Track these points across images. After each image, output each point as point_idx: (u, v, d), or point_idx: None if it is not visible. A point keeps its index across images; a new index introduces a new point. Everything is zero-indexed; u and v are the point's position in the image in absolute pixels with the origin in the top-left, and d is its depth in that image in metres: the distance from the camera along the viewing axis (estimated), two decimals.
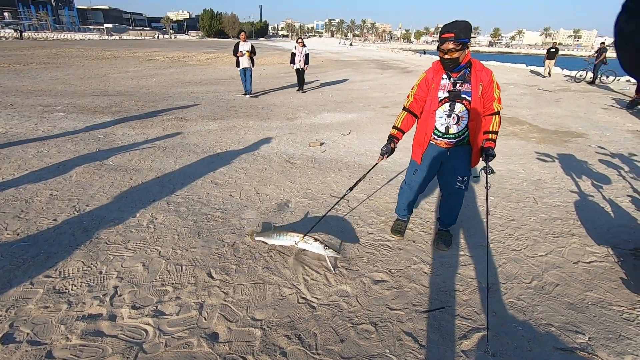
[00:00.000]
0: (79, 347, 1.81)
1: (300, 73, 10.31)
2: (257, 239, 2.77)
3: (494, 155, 2.43)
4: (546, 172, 4.62)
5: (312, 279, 2.40)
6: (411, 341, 1.95)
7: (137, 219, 3.10)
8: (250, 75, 9.35)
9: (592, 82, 14.86)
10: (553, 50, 16.50)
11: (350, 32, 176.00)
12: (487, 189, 2.44)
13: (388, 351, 1.88)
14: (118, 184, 3.76)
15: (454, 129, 2.47)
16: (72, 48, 25.54)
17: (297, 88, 10.62)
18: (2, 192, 3.43)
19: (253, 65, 9.29)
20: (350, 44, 72.42)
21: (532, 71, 19.67)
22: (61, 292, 2.19)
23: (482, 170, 2.46)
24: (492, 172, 2.46)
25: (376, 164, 2.72)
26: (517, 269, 2.60)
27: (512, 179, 4.37)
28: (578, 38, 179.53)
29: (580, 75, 15.43)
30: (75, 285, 2.24)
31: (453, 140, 2.50)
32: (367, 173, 2.88)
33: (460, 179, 2.63)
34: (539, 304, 2.26)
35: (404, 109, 2.61)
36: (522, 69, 21.11)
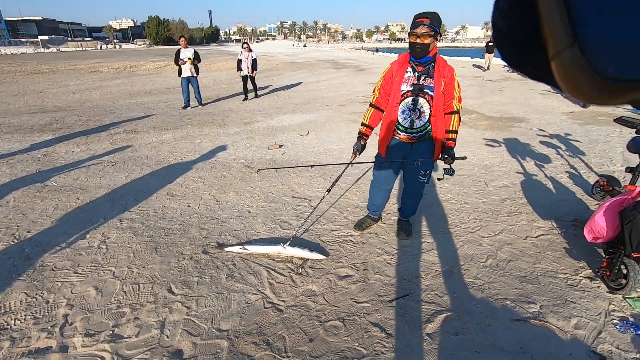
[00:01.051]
0: None
1: (248, 80, 9.59)
2: (228, 250, 2.69)
3: (454, 157, 2.48)
4: (494, 157, 4.91)
5: (277, 282, 2.37)
6: (379, 331, 1.98)
7: (86, 240, 2.91)
8: (197, 84, 8.61)
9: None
10: (491, 44, 16.99)
11: (304, 33, 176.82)
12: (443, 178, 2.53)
13: (357, 344, 1.90)
14: (63, 206, 3.50)
15: (416, 124, 2.49)
16: (3, 63, 23.49)
17: (243, 97, 9.71)
18: None
19: (198, 73, 8.58)
20: (304, 46, 72.72)
21: (474, 65, 20.46)
22: (2, 328, 1.99)
23: (444, 171, 2.51)
24: (453, 172, 2.50)
25: (350, 163, 2.68)
26: (473, 249, 2.74)
27: (464, 165, 4.59)
28: None
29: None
30: (18, 319, 2.06)
31: (416, 135, 2.54)
32: (342, 173, 2.87)
33: (423, 172, 2.69)
34: (495, 281, 2.39)
35: (371, 105, 2.64)
36: (467, 62, 22.29)
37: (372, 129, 2.67)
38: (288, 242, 2.63)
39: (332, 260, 2.62)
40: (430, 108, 2.44)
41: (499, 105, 8.71)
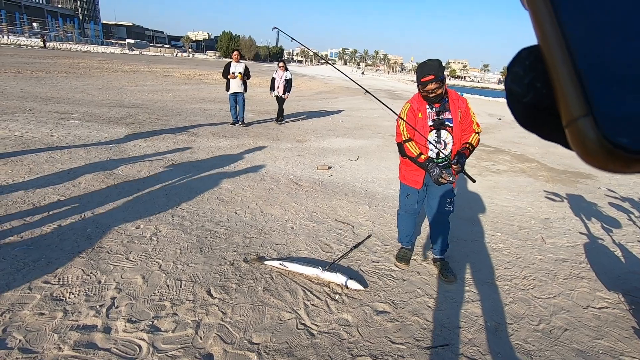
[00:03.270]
0: (70, 358, 1.76)
1: (279, 101, 8.79)
2: (268, 263, 2.73)
3: (463, 164, 2.49)
4: (555, 212, 4.57)
5: (312, 305, 2.34)
6: None
7: (140, 230, 3.09)
8: (243, 101, 7.99)
9: None
10: None
11: (363, 61, 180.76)
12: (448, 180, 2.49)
13: None
14: (125, 194, 3.78)
15: (441, 154, 2.58)
16: (94, 60, 26.46)
17: (277, 119, 8.95)
18: (10, 194, 3.46)
19: (246, 90, 8.01)
20: (362, 73, 74.15)
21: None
22: (58, 299, 2.15)
23: (453, 167, 2.51)
24: (460, 172, 2.53)
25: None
26: (524, 309, 2.52)
27: (520, 216, 4.32)
28: None
29: None
30: (72, 294, 2.21)
31: (441, 164, 2.58)
32: (350, 250, 2.98)
33: (449, 200, 2.73)
34: (547, 349, 2.17)
35: (407, 140, 2.64)
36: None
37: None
38: (327, 267, 2.61)
39: (370, 292, 2.54)
40: (452, 138, 2.56)
41: (563, 157, 8.17)
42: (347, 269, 2.80)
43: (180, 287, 2.38)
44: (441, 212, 2.76)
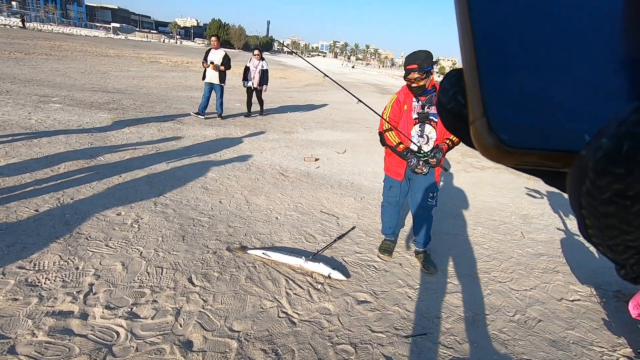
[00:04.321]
0: (44, 344, 1.72)
1: (253, 93, 7.98)
2: (251, 252, 2.72)
3: (439, 158, 2.54)
4: (535, 208, 4.69)
5: (294, 294, 2.35)
6: None
7: (121, 217, 3.03)
8: (221, 94, 7.25)
9: None
10: None
11: (354, 55, 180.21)
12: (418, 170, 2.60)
13: None
14: (106, 180, 3.69)
15: (425, 149, 2.60)
16: (76, 42, 25.59)
17: (246, 113, 8.14)
18: None
19: (223, 81, 7.14)
20: (353, 67, 73.99)
21: None
22: (33, 285, 2.10)
23: (427, 162, 2.58)
24: (428, 166, 2.62)
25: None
26: (501, 300, 2.59)
27: (502, 211, 4.42)
28: None
29: None
30: (49, 279, 2.16)
31: (423, 159, 2.61)
32: (332, 242, 3.03)
33: (431, 195, 2.76)
34: (521, 338, 2.24)
35: (388, 129, 2.66)
36: None
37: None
38: (311, 257, 2.62)
39: (352, 282, 2.57)
40: (436, 134, 2.58)
41: None
42: (330, 260, 2.81)
43: (161, 274, 2.36)
44: (424, 206, 2.80)
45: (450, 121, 0.26)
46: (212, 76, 7.10)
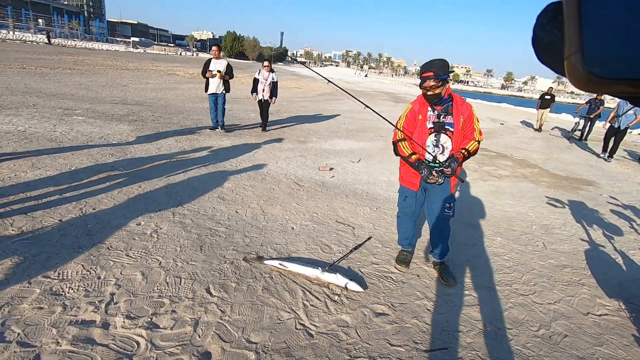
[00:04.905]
0: (68, 353, 1.76)
1: (263, 106, 7.62)
2: (268, 263, 2.73)
3: (454, 168, 2.48)
4: (556, 218, 4.55)
5: (311, 305, 2.34)
6: None
7: (141, 227, 3.09)
8: (224, 103, 7.01)
9: (581, 139, 11.91)
10: (548, 97, 12.62)
11: (367, 64, 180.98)
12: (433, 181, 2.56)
13: None
14: (126, 191, 3.78)
15: (440, 158, 2.57)
16: (98, 57, 26.55)
17: (261, 127, 7.91)
18: (12, 189, 3.47)
19: (228, 90, 6.97)
20: (366, 76, 74.18)
21: (523, 121, 16.00)
22: (57, 294, 2.15)
23: (442, 171, 2.54)
24: (443, 177, 2.57)
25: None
26: (524, 314, 2.51)
27: (521, 221, 4.31)
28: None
29: (576, 127, 12.26)
30: (72, 289, 2.21)
31: (438, 169, 2.57)
32: (349, 253, 2.96)
33: (448, 205, 2.72)
34: (546, 355, 2.15)
35: (401, 140, 2.65)
36: (533, 113, 21.31)
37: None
38: (327, 267, 2.61)
39: (370, 294, 2.53)
40: (452, 144, 2.54)
41: (565, 164, 8.16)
42: (347, 270, 2.79)
43: (180, 284, 2.38)
44: (440, 217, 2.75)
45: (544, 53, 0.30)
46: (217, 86, 6.80)
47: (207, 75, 6.75)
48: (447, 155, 2.56)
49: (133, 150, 5.23)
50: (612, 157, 8.87)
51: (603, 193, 5.96)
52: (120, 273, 2.42)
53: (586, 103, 11.77)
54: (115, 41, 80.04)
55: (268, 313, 2.21)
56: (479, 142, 2.57)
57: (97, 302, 2.12)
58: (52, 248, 2.60)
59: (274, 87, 7.46)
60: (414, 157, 2.57)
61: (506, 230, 3.98)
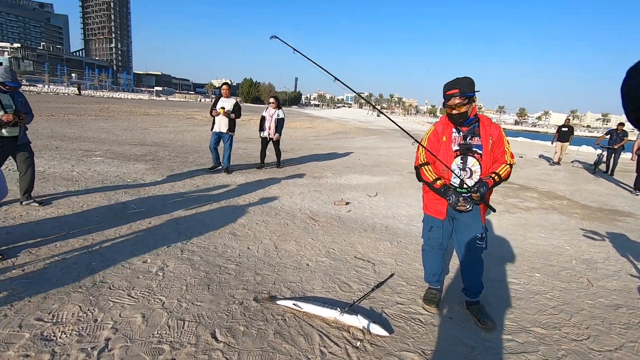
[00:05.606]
0: None
1: (268, 144, 7.50)
2: (281, 303, 2.47)
3: (483, 194, 2.23)
4: (597, 252, 4.13)
5: (330, 352, 2.04)
6: None
7: (147, 264, 2.91)
8: (230, 144, 6.70)
9: (608, 172, 10.83)
10: (566, 129, 11.86)
11: (378, 104, 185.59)
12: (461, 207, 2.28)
13: None
14: (136, 228, 3.65)
15: (467, 183, 2.33)
16: (123, 105, 28.06)
17: (259, 165, 7.57)
18: (22, 227, 3.39)
19: (233, 130, 6.67)
20: (378, 115, 75.59)
21: (541, 155, 15.09)
22: (48, 339, 1.94)
23: (470, 197, 2.26)
24: (479, 203, 2.30)
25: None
26: None
27: (559, 255, 3.92)
28: (607, 122, 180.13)
29: (600, 159, 11.23)
30: (64, 333, 2.00)
31: (466, 195, 2.31)
32: (371, 291, 2.67)
33: (479, 236, 2.43)
34: None
35: (422, 164, 2.45)
36: (551, 147, 20.85)
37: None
38: (347, 308, 2.32)
39: (396, 339, 2.21)
40: (480, 167, 2.31)
41: (595, 194, 7.70)
42: (369, 312, 2.49)
43: (183, 328, 2.14)
44: (472, 249, 2.47)
45: (635, 109, 0.38)
46: (222, 124, 6.57)
47: (213, 113, 6.56)
48: (476, 179, 2.33)
49: (147, 188, 5.18)
50: None
51: None
52: (120, 315, 2.20)
53: (606, 134, 11.15)
54: (140, 91, 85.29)
55: None
56: (510, 165, 2.34)
57: (89, 348, 1.89)
58: (51, 287, 2.43)
59: (279, 124, 7.32)
60: (439, 182, 2.35)
61: (543, 265, 3.60)
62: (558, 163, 12.23)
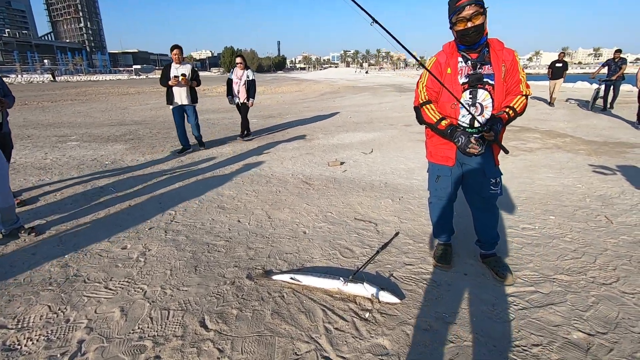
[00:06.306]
0: None
1: (242, 111, 6.55)
2: (277, 278, 2.21)
3: (497, 130, 1.91)
4: (610, 187, 3.89)
5: (336, 329, 1.80)
6: None
7: (127, 250, 2.63)
8: (195, 116, 5.69)
9: (605, 108, 10.17)
10: (560, 64, 11.13)
11: (366, 61, 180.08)
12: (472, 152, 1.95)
13: None
14: (114, 211, 3.34)
15: (478, 121, 1.96)
16: (101, 87, 26.82)
17: (240, 133, 6.82)
18: None
19: (196, 100, 5.64)
20: (366, 72, 73.49)
21: (535, 97, 13.93)
22: (11, 349, 1.68)
23: (482, 137, 1.96)
24: (493, 143, 2.00)
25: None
26: (615, 311, 1.91)
27: (571, 194, 3.67)
28: (599, 56, 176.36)
29: (597, 95, 10.49)
30: (31, 339, 1.74)
31: (477, 135, 1.97)
32: (374, 255, 2.31)
33: (494, 181, 2.14)
34: None
35: (424, 103, 2.08)
36: (546, 86, 20.28)
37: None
38: (351, 277, 2.07)
39: (409, 305, 1.98)
40: (492, 101, 1.95)
41: (598, 129, 7.40)
42: (375, 277, 2.25)
43: (167, 318, 1.88)
44: (486, 196, 2.18)
45: None
46: (183, 96, 5.43)
47: (170, 82, 5.29)
48: (488, 116, 1.99)
49: (127, 169, 4.81)
50: None
51: None
52: (95, 312, 1.94)
53: (603, 65, 10.31)
54: (118, 71, 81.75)
55: (280, 346, 1.69)
56: (526, 96, 1.99)
57: (59, 355, 1.64)
58: (16, 289, 2.15)
59: (250, 87, 6.35)
60: (444, 122, 2.01)
61: (557, 207, 3.36)
62: (551, 104, 11.49)
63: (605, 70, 10.29)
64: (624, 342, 1.68)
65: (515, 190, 3.84)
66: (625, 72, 10.11)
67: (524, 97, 1.99)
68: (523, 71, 2.01)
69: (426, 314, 1.90)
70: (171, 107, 5.54)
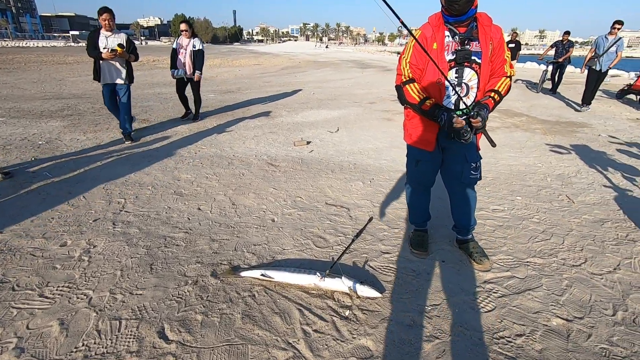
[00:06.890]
0: None
1: (187, 85, 5.73)
2: (246, 275, 2.00)
3: (484, 117, 1.79)
4: (567, 166, 4.05)
5: (314, 330, 1.65)
6: None
7: (67, 248, 2.27)
8: (128, 99, 4.55)
9: (553, 89, 10.18)
10: (513, 45, 10.81)
11: (325, 35, 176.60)
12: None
13: None
14: (51, 201, 2.90)
15: (463, 102, 1.83)
16: (32, 54, 23.82)
17: (183, 114, 6.03)
18: None
19: (131, 80, 4.55)
20: (327, 47, 72.22)
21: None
22: None
23: (472, 121, 1.79)
24: (468, 135, 1.82)
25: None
26: (587, 293, 1.94)
27: (533, 174, 3.77)
28: (543, 38, 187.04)
29: (545, 76, 10.62)
30: None
31: (461, 117, 1.84)
32: (350, 244, 2.16)
33: (474, 166, 2.05)
34: None
35: (407, 81, 1.91)
36: None
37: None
38: (327, 271, 1.91)
39: (390, 299, 1.87)
40: (478, 82, 1.84)
41: (550, 109, 7.76)
42: (352, 268, 2.12)
43: (119, 330, 1.62)
44: (465, 181, 2.09)
45: None
46: (115, 72, 4.38)
47: (104, 55, 4.16)
48: (473, 97, 1.86)
49: (65, 150, 4.24)
50: (589, 105, 7.64)
51: (600, 133, 5.56)
52: (27, 327, 1.62)
53: (551, 47, 10.32)
54: (53, 37, 73.23)
55: (254, 356, 1.50)
56: (510, 77, 1.89)
57: None
58: None
59: (197, 57, 5.40)
60: (428, 102, 1.85)
61: (522, 187, 3.42)
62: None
63: (552, 52, 10.64)
64: (600, 326, 1.70)
65: (482, 170, 3.86)
66: (572, 54, 10.52)
67: (507, 78, 1.88)
68: (508, 50, 1.89)
69: (408, 308, 1.80)
70: (102, 83, 4.42)
